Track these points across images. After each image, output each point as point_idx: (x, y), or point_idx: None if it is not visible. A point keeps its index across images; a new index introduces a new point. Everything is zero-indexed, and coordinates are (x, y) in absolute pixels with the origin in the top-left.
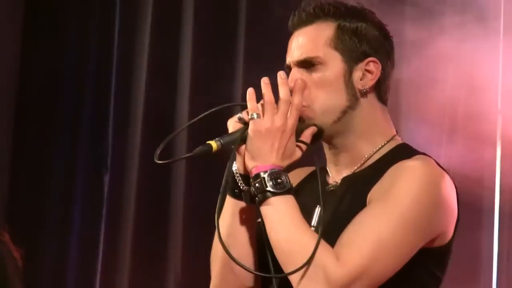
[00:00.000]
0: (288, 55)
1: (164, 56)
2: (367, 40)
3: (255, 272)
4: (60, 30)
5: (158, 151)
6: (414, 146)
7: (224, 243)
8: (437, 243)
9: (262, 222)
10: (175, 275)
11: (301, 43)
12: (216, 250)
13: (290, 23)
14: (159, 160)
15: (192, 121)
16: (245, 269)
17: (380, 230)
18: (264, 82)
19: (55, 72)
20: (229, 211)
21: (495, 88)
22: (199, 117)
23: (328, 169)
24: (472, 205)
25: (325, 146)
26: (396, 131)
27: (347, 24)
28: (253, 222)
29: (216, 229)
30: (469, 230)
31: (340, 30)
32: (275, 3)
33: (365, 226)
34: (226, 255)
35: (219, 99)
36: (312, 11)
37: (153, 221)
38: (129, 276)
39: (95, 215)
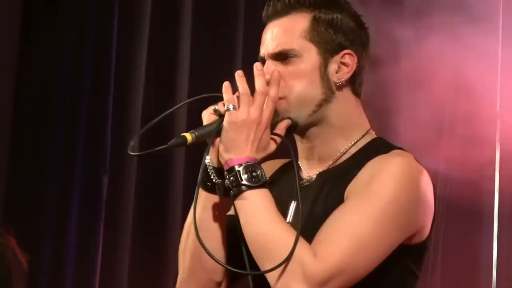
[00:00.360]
0: (263, 47)
1: (163, 55)
2: (343, 32)
3: (236, 270)
4: (57, 28)
5: (131, 143)
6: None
7: (193, 236)
8: (415, 240)
9: (236, 216)
10: (175, 275)
11: (276, 35)
12: (186, 243)
13: (264, 14)
14: (133, 152)
15: (166, 112)
16: (223, 266)
17: (359, 225)
18: (238, 75)
19: (53, 72)
20: (201, 204)
21: (493, 90)
22: (173, 108)
23: (300, 164)
24: (472, 208)
25: (298, 139)
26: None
27: (323, 15)
28: (224, 216)
29: (193, 223)
30: (468, 233)
31: (315, 21)
32: None
33: (344, 222)
34: (196, 249)
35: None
36: (287, 1)
37: (152, 222)
38: (128, 277)
39: (94, 216)
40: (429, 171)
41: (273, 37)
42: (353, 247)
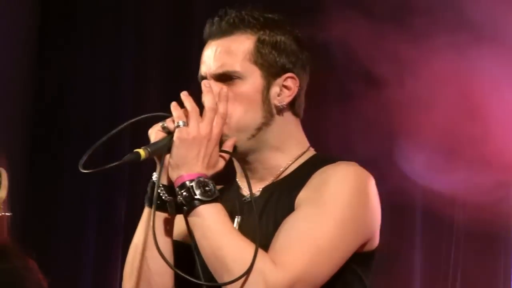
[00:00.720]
0: (204, 65)
1: (176, 67)
2: (286, 54)
3: (207, 283)
4: (72, 42)
5: (82, 161)
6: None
7: (142, 256)
8: (367, 248)
9: (189, 232)
10: None
11: (219, 56)
12: (133, 265)
13: (206, 31)
14: (84, 169)
15: (115, 130)
16: (193, 281)
17: (316, 233)
18: (184, 95)
19: (67, 96)
20: (147, 222)
21: (507, 111)
22: (122, 126)
23: (239, 183)
24: (489, 232)
25: (235, 160)
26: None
27: (267, 37)
28: (170, 234)
29: (154, 240)
30: (486, 256)
31: (260, 43)
32: None
33: (300, 230)
34: (145, 270)
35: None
36: (231, 21)
37: None
38: None
39: (112, 243)
40: (445, 195)
41: (216, 57)
42: (313, 254)
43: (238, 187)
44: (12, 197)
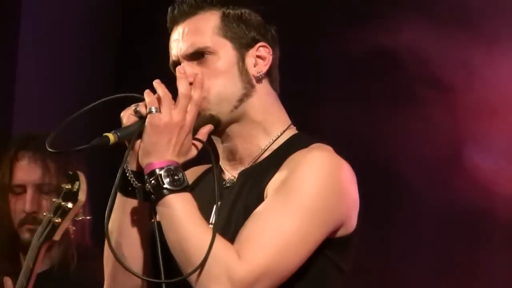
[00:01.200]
0: (174, 49)
1: None
2: (254, 26)
3: (150, 279)
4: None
5: (50, 139)
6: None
7: (116, 243)
8: (340, 233)
9: (157, 221)
10: None
11: (188, 36)
12: (109, 251)
13: (170, 17)
14: (53, 149)
15: (86, 108)
16: (135, 274)
17: (283, 225)
18: (156, 82)
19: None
20: (120, 209)
21: None
22: (92, 105)
23: (222, 166)
24: None
25: (218, 141)
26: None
27: (231, 11)
28: (144, 220)
29: (105, 230)
30: None
31: (225, 17)
32: None
33: (267, 221)
34: (120, 256)
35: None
36: (193, 2)
37: None
38: None
39: None
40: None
41: (184, 38)
42: (278, 247)
43: (221, 171)
44: (92, 200)
